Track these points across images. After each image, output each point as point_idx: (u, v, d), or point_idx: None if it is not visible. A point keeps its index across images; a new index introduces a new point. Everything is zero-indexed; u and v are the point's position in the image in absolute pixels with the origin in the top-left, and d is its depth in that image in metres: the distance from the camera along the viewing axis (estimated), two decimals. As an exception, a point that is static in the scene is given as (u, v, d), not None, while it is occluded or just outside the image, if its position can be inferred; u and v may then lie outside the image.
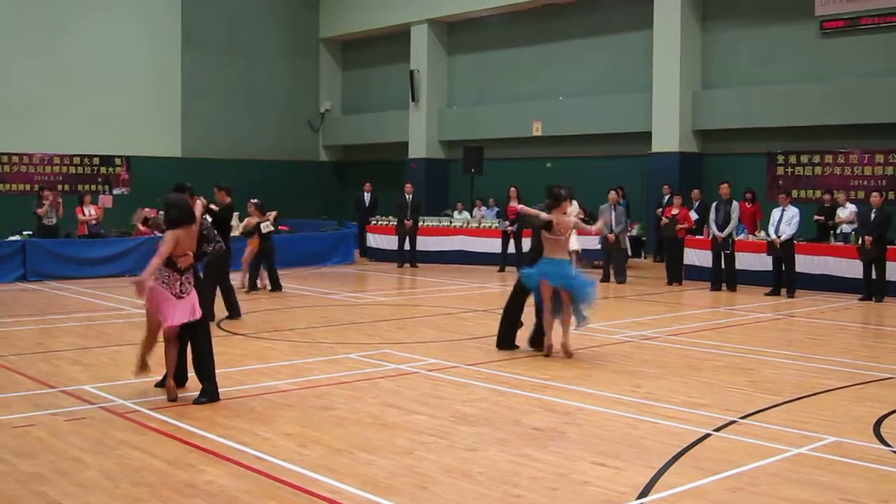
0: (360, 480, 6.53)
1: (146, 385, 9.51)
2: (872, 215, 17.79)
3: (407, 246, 24.37)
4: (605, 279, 20.38)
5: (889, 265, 17.73)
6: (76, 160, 30.22)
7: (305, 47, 35.76)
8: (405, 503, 6.10)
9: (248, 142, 33.24)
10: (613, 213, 20.39)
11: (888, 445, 7.53)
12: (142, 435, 7.73)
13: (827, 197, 21.76)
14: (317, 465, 6.86)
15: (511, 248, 23.17)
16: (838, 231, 19.87)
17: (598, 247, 21.25)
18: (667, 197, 22.80)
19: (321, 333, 13.18)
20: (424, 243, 24.81)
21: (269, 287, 18.18)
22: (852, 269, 18.21)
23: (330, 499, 6.16)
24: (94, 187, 29.29)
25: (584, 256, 22.23)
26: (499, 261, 23.28)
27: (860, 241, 17.87)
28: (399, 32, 32.99)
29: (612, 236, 20.26)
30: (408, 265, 24.06)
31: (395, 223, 24.94)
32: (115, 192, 29.58)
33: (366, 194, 27.62)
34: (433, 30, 32.13)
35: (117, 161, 30.85)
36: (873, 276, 17.68)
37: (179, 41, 31.83)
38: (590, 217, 22.84)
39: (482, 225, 25.28)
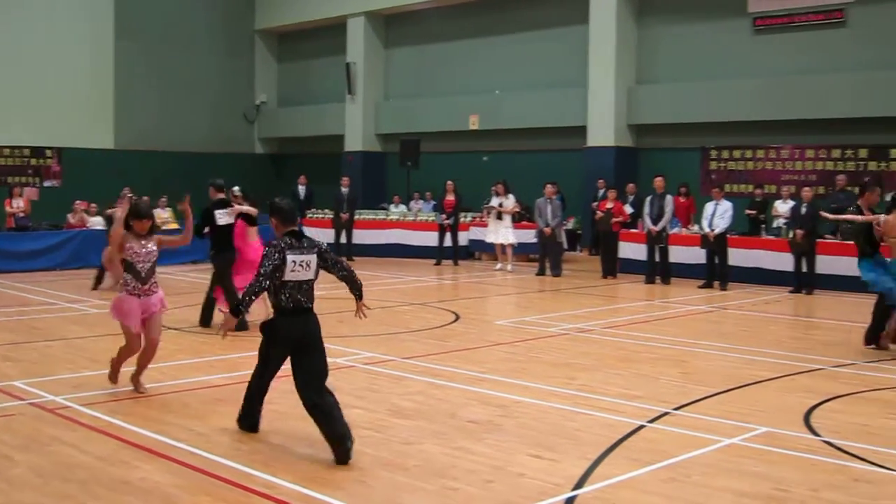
0: (296, 475, 6.49)
1: (78, 380, 9.39)
2: (803, 209, 18.10)
3: (343, 239, 24.29)
4: (541, 272, 20.50)
5: (819, 258, 18.04)
6: (5, 151, 29.57)
7: (241, 39, 35.43)
8: (342, 497, 6.07)
9: (183, 134, 32.83)
10: (549, 206, 20.49)
11: (818, 435, 7.66)
12: (73, 431, 7.62)
13: (759, 191, 22.10)
14: (252, 461, 6.81)
15: (447, 242, 23.20)
16: (775, 224, 20.18)
17: (535, 240, 21.34)
18: (602, 191, 22.97)
19: (256, 328, 13.03)
20: (361, 236, 24.77)
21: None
22: (783, 262, 18.50)
23: (266, 494, 6.12)
24: (23, 179, 28.73)
25: (521, 250, 22.36)
26: (435, 254, 23.29)
27: (791, 235, 18.17)
28: (335, 25, 32.82)
29: (548, 230, 20.37)
30: (344, 258, 23.90)
31: (332, 216, 24.84)
32: (46, 184, 29.13)
33: (300, 187, 27.47)
34: (370, 22, 32.03)
35: (48, 153, 30.29)
36: (804, 269, 17.99)
37: (113, 32, 31.30)
38: (526, 211, 23.04)
39: (419, 218, 25.29)
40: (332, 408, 6.96)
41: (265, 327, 7.31)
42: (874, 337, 11.82)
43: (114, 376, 9.06)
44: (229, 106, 35.05)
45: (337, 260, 7.46)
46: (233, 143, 35.01)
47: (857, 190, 21.61)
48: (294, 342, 7.16)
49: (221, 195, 13.19)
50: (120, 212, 16.26)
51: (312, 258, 7.19)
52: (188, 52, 33.34)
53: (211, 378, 9.64)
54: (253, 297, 7.10)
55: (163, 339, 9.18)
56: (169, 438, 7.37)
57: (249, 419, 7.63)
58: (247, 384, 7.69)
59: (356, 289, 7.57)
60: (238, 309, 7.21)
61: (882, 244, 12.00)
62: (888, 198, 12.76)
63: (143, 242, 8.76)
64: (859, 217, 12.19)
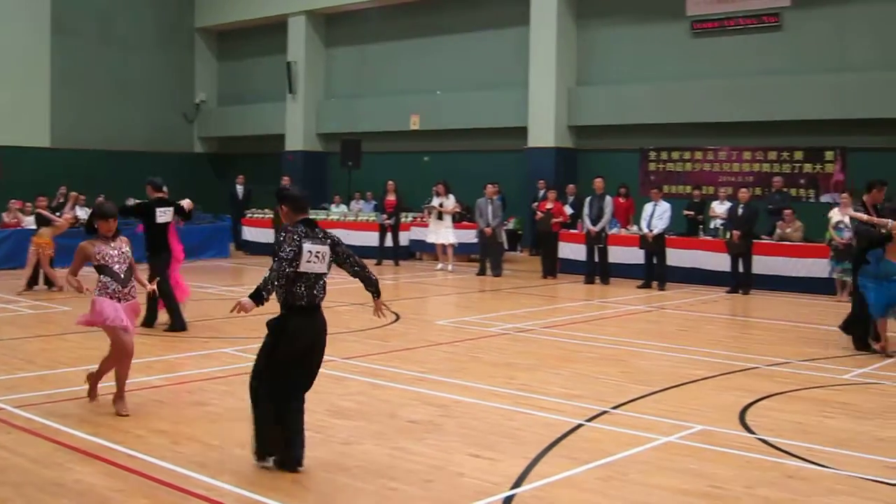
0: (234, 476, 6.46)
1: (12, 382, 9.25)
2: (740, 210, 18.34)
3: (283, 239, 24.12)
4: (482, 273, 20.56)
5: (755, 259, 18.30)
6: (-62, 150, 29.06)
7: (180, 37, 35.09)
8: (280, 498, 6.05)
9: (122, 133, 32.39)
10: (490, 207, 20.56)
11: (753, 433, 7.77)
12: (7, 434, 7.49)
13: (697, 193, 22.36)
14: (190, 462, 6.76)
15: (388, 242, 23.18)
16: (712, 225, 20.44)
17: (475, 241, 21.40)
18: (542, 191, 23.08)
19: (195, 328, 12.94)
20: (301, 236, 24.58)
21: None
22: (720, 262, 18.74)
23: (204, 496, 6.07)
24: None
25: (461, 250, 22.41)
26: (376, 254, 23.25)
27: (728, 236, 18.41)
28: (276, 24, 32.63)
29: (488, 230, 20.43)
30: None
31: (272, 216, 24.71)
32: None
33: (238, 187, 27.30)
34: (311, 22, 31.90)
35: (-17, 151, 29.77)
36: (740, 270, 18.23)
37: (49, 29, 30.84)
38: (467, 211, 23.09)
39: (360, 218, 25.23)
40: (301, 417, 6.67)
41: (274, 326, 6.69)
42: (864, 344, 11.92)
43: (93, 391, 8.46)
44: (168, 104, 34.69)
45: (350, 254, 6.94)
46: (172, 141, 34.66)
47: (793, 191, 22.13)
48: (307, 344, 6.68)
49: (159, 194, 13.03)
50: (64, 222, 15.82)
51: (326, 250, 6.68)
52: (127, 49, 32.95)
53: (149, 379, 9.54)
54: (276, 283, 6.48)
55: (100, 339, 9.03)
56: (105, 440, 7.28)
57: (266, 445, 6.67)
58: (252, 405, 6.75)
59: (372, 286, 7.08)
60: (260, 294, 6.47)
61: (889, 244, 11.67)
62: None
63: (112, 244, 8.29)
64: (875, 219, 12.09)
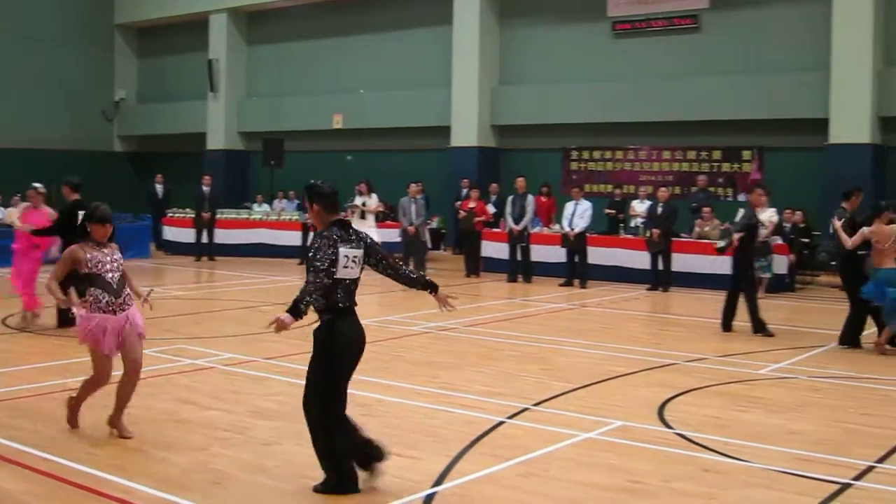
0: (152, 479, 6.38)
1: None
2: (659, 209, 18.59)
3: (205, 238, 23.93)
4: (405, 271, 20.51)
5: (675, 257, 18.56)
6: None
7: (99, 34, 34.54)
8: (199, 500, 6.00)
9: (39, 131, 31.74)
10: (414, 206, 20.56)
11: (671, 428, 7.89)
12: (-83, 438, 7.33)
13: (618, 191, 22.61)
14: (108, 465, 6.66)
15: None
16: (633, 224, 20.67)
17: (399, 240, 21.39)
18: (465, 190, 23.15)
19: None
20: (223, 236, 24.43)
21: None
22: (641, 260, 18.96)
23: (122, 499, 6.00)
24: None
25: (385, 249, 22.29)
26: (299, 254, 23.10)
27: (648, 234, 18.64)
28: (198, 21, 32.30)
29: (411, 229, 20.43)
30: (206, 258, 23.62)
31: (193, 215, 24.45)
32: None
33: (157, 186, 26.98)
34: (232, 19, 31.64)
35: None
36: (660, 267, 18.48)
37: (-39, 24, 30.23)
38: (390, 210, 23.06)
39: (282, 217, 25.07)
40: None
41: (325, 334, 6.12)
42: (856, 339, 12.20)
43: (73, 418, 7.70)
44: (87, 102, 34.13)
45: (384, 255, 6.56)
46: (91, 140, 34.09)
47: (717, 190, 22.51)
48: (358, 343, 6.26)
49: (77, 196, 12.75)
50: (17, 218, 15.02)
51: (360, 253, 6.26)
52: (43, 46, 32.27)
53: (66, 381, 9.35)
54: (314, 296, 5.99)
55: (15, 342, 8.87)
56: (20, 444, 7.14)
57: (351, 478, 6.19)
58: (310, 430, 6.22)
59: (419, 283, 6.69)
60: (298, 308, 5.92)
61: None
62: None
63: (105, 251, 7.56)
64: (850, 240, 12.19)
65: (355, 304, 6.27)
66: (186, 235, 24.61)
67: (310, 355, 6.19)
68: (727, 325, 13.25)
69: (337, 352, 6.09)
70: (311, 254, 6.05)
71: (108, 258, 7.54)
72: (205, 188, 24.15)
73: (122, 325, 7.42)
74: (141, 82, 35.82)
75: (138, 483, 6.28)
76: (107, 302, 7.40)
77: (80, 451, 7.03)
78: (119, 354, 7.47)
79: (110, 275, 7.48)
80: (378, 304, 16.77)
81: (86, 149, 33.34)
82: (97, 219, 7.57)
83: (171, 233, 25.53)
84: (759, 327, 12.96)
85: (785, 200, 18.92)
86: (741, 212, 13.75)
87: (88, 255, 7.45)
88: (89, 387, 7.62)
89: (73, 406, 7.68)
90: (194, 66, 32.71)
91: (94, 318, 7.35)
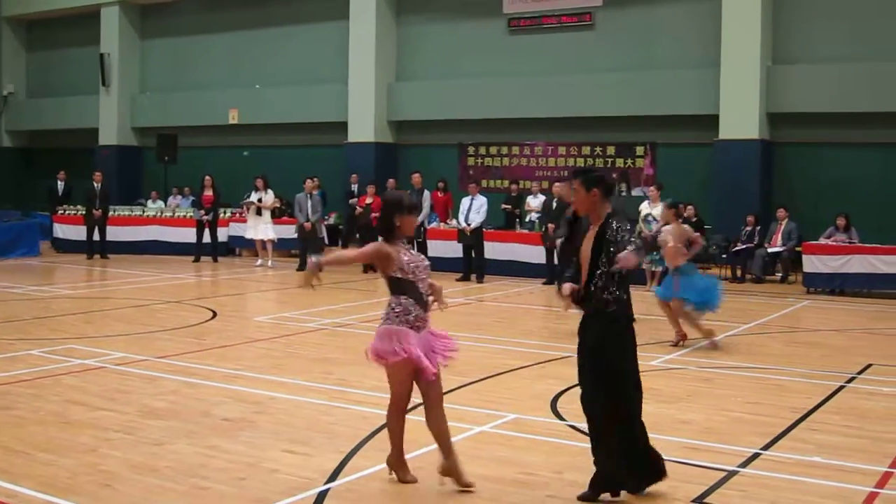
0: (38, 482, 6.24)
1: None
2: (554, 204, 18.76)
3: (97, 236, 23.46)
4: (302, 268, 20.41)
5: (570, 251, 18.75)
6: None
7: (-14, 26, 33.60)
8: (86, 502, 5.89)
9: (-80, 126, 30.85)
10: (310, 201, 20.45)
11: (563, 420, 7.98)
12: None
13: (514, 187, 22.79)
14: (-10, 469, 6.51)
15: (206, 238, 22.76)
16: (528, 219, 20.86)
17: (295, 235, 21.25)
18: (354, 186, 23.11)
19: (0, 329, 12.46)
20: (116, 233, 23.99)
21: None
22: (537, 255, 19.14)
23: (5, 502, 5.85)
24: None
25: (281, 246, 22.24)
26: (193, 250, 22.82)
27: (544, 229, 18.82)
28: (89, 14, 31.49)
29: (308, 225, 20.32)
30: (98, 256, 23.14)
31: (84, 213, 23.93)
32: None
33: (59, 183, 26.40)
34: (125, 12, 30.99)
35: None
36: (556, 262, 18.66)
37: None
38: (286, 206, 22.91)
39: (177, 214, 24.73)
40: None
41: (623, 332, 6.09)
42: None
43: (403, 471, 6.40)
44: (-28, 97, 33.16)
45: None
46: (-23, 136, 33.15)
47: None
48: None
49: None
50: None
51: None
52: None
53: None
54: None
55: None
56: None
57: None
58: (615, 433, 6.03)
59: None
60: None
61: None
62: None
63: (412, 252, 6.44)
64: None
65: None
66: (78, 233, 24.08)
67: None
68: None
69: (630, 354, 6.19)
70: (614, 245, 5.90)
71: (421, 263, 6.36)
72: (96, 185, 23.66)
73: (433, 348, 6.33)
74: (30, 76, 34.87)
75: (23, 486, 6.15)
76: (415, 317, 6.26)
77: (-38, 454, 6.84)
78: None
79: (421, 284, 6.30)
80: (274, 302, 16.68)
81: (-28, 144, 32.44)
82: (408, 208, 6.31)
83: (62, 230, 24.96)
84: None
85: (677, 195, 19.24)
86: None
87: (406, 258, 6.25)
88: (392, 420, 6.40)
89: (395, 456, 6.40)
90: (86, 59, 31.90)
91: (401, 334, 6.19)
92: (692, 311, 11.69)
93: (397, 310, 6.19)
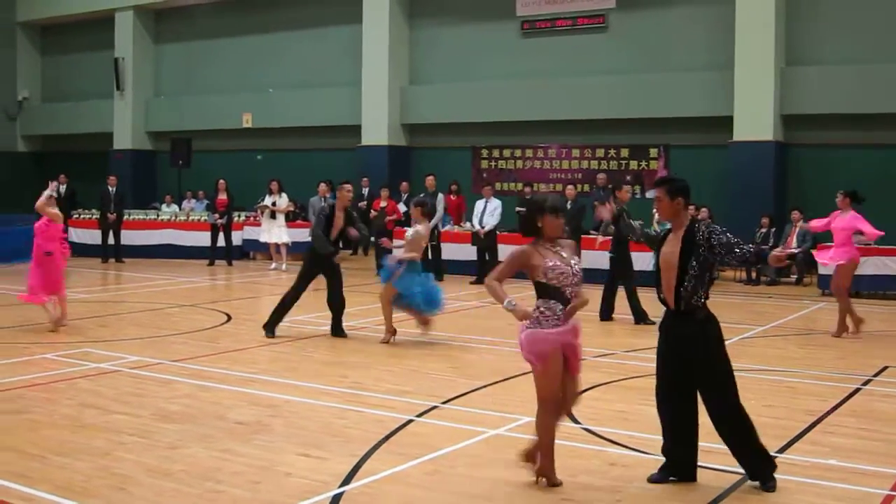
0: (53, 485, 6.26)
1: None
2: (568, 206, 18.74)
3: (111, 240, 23.53)
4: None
5: (583, 254, 18.70)
6: None
7: (1, 31, 33.67)
8: (101, 506, 5.91)
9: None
10: (323, 205, 20.43)
11: (577, 423, 7.95)
12: None
13: (528, 189, 22.74)
14: (6, 472, 6.52)
15: (221, 242, 22.80)
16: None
17: (309, 239, 21.19)
18: (365, 189, 23.13)
19: (15, 334, 12.49)
20: (131, 237, 24.06)
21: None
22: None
23: (21, 506, 5.88)
24: None
25: (295, 249, 22.22)
26: (208, 254, 22.87)
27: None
28: (103, 18, 31.65)
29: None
30: (113, 260, 23.22)
31: (98, 216, 24.02)
32: None
33: (60, 187, 26.47)
34: (139, 17, 31.13)
35: None
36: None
37: None
38: (300, 209, 22.92)
39: (191, 218, 24.77)
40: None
41: (720, 332, 6.43)
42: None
43: (549, 470, 6.36)
44: (-12, 102, 33.31)
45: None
46: (-8, 140, 33.28)
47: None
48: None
49: None
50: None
51: None
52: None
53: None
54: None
55: None
56: (-86, 453, 6.97)
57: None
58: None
59: None
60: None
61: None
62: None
63: (564, 254, 6.27)
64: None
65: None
66: (93, 237, 24.16)
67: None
68: (606, 316, 14.09)
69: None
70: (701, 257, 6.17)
71: (570, 266, 6.23)
72: (110, 188, 23.74)
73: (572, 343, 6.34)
74: (45, 81, 35.04)
75: (39, 490, 6.17)
76: (556, 322, 6.24)
77: (-22, 458, 6.86)
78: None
79: (570, 289, 6.22)
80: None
81: (-13, 149, 32.57)
82: (552, 208, 6.21)
83: (76, 234, 25.00)
84: (641, 317, 13.68)
85: (690, 197, 19.17)
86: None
87: (549, 263, 6.17)
88: (548, 421, 6.37)
89: (543, 463, 6.35)
90: (100, 64, 32.05)
91: (545, 338, 6.18)
92: None
93: (547, 314, 6.19)
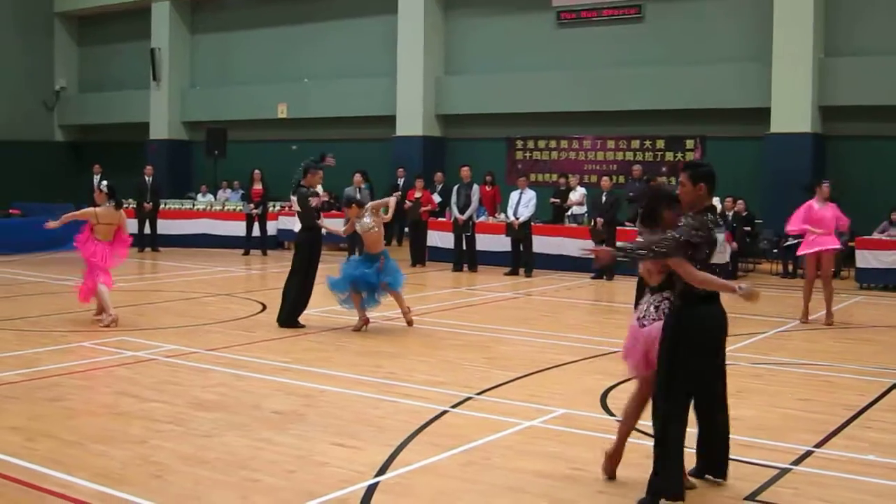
0: (91, 472, 6.29)
1: None
2: (603, 198, 18.68)
3: (147, 230, 23.68)
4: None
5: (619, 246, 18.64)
6: None
7: (39, 22, 33.92)
8: (138, 493, 5.92)
9: (-25, 120, 31.24)
10: (358, 195, 20.42)
11: (613, 415, 7.92)
12: None
13: (562, 181, 22.67)
14: (45, 459, 6.56)
15: (256, 231, 22.90)
16: (569, 213, 20.75)
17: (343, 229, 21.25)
18: (401, 180, 23.14)
19: (54, 322, 12.61)
20: (167, 227, 24.19)
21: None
22: (585, 249, 19.02)
23: (61, 493, 5.90)
24: None
25: (327, 239, 22.25)
26: (243, 244, 22.97)
27: (592, 223, 18.73)
28: (140, 9, 31.85)
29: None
30: (149, 249, 23.37)
31: (134, 206, 24.16)
32: None
33: (95, 177, 26.68)
34: (175, 8, 31.28)
35: None
36: (606, 257, 18.57)
37: None
38: (336, 200, 22.94)
39: (226, 208, 24.89)
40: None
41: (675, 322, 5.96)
42: None
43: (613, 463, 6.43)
44: (27, 92, 33.52)
45: None
46: (31, 130, 33.53)
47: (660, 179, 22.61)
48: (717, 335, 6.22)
49: None
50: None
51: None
52: (-20, 34, 31.74)
53: (3, 375, 9.22)
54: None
55: None
56: (-46, 439, 7.03)
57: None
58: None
59: None
60: (631, 252, 5.81)
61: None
62: None
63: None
64: None
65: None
66: (130, 226, 24.24)
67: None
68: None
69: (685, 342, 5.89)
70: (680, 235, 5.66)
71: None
72: (146, 178, 23.90)
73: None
74: (82, 71, 35.29)
75: (76, 477, 6.19)
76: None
77: (17, 445, 6.90)
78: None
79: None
80: (322, 295, 16.60)
81: (26, 139, 32.84)
82: (677, 201, 6.05)
83: (114, 224, 25.20)
84: None
85: (727, 189, 19.06)
86: None
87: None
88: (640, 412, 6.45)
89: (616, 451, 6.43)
90: (137, 54, 32.26)
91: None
92: None
93: (667, 307, 6.10)
